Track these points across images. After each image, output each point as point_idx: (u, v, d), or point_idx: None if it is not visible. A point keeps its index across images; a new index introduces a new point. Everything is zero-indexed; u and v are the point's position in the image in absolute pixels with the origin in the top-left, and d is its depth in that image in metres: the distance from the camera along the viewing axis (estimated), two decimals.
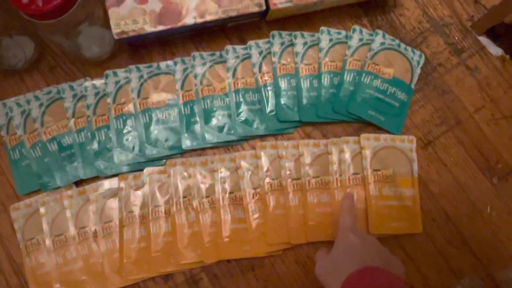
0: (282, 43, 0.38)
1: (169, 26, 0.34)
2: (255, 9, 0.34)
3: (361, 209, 0.35)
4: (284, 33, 0.38)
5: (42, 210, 0.34)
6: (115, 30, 0.33)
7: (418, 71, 0.38)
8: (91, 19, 0.32)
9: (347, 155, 0.36)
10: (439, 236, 0.36)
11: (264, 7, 0.34)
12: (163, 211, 0.34)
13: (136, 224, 0.34)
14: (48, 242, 0.34)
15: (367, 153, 0.36)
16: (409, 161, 0.36)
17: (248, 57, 0.37)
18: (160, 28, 0.34)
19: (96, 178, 0.35)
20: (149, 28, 0.34)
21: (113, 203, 0.35)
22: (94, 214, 0.34)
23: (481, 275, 0.36)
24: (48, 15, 0.28)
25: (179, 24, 0.34)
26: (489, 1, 0.40)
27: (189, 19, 0.34)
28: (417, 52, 0.38)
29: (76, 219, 0.34)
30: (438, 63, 0.39)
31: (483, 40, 0.39)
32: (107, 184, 0.35)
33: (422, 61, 0.38)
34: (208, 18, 0.34)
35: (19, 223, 0.34)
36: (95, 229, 0.34)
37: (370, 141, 0.36)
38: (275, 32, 0.38)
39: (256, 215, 0.35)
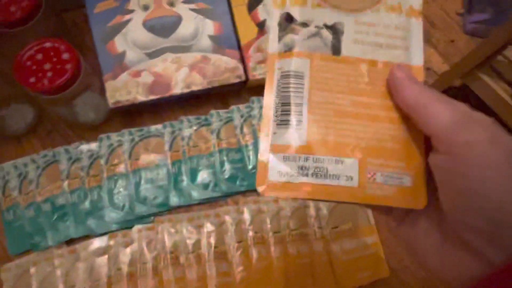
0: (260, 107, 0.42)
1: (159, 96, 0.38)
2: (236, 80, 0.39)
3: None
4: (262, 98, 0.42)
5: (32, 270, 0.35)
6: (110, 100, 0.37)
7: None
8: (89, 90, 0.36)
9: (325, 210, 0.39)
10: (412, 283, 0.39)
11: (243, 79, 0.39)
12: (150, 267, 0.36)
13: (124, 282, 0.36)
14: None
15: (325, 212, 0.39)
16: (364, 209, 0.40)
17: (230, 120, 0.42)
18: (151, 97, 0.38)
19: (86, 237, 0.37)
20: (141, 98, 0.38)
21: (103, 261, 0.36)
22: (84, 273, 0.35)
23: None
24: (52, 92, 0.32)
25: (168, 94, 0.38)
26: (440, 68, 0.46)
27: (177, 89, 0.38)
28: None
29: (66, 278, 0.35)
30: None
31: None
32: (97, 243, 0.37)
33: None
34: (194, 88, 0.38)
35: (9, 284, 0.35)
36: None
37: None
38: (254, 98, 0.42)
39: (240, 268, 0.37)
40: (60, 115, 0.41)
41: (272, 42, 0.21)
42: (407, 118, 0.20)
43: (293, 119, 0.19)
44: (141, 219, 0.38)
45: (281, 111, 0.20)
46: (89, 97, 0.38)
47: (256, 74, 0.39)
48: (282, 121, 0.20)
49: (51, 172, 0.38)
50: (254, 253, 0.37)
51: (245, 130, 0.41)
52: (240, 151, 0.40)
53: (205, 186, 0.39)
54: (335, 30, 0.21)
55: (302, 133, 0.19)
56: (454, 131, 0.17)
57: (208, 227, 0.38)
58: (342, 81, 0.20)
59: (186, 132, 0.41)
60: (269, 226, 0.38)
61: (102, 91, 0.38)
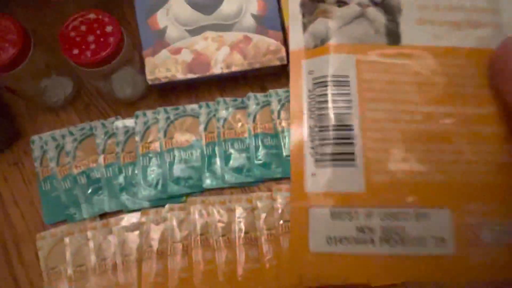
0: None
1: (198, 75, 0.37)
2: (277, 63, 0.38)
3: None
4: None
5: (66, 240, 0.36)
6: (149, 76, 0.37)
7: None
8: (129, 65, 0.36)
9: None
10: None
11: (285, 61, 0.38)
12: (180, 247, 0.36)
13: (154, 259, 0.36)
14: (69, 272, 0.35)
15: None
16: None
17: (267, 104, 0.40)
18: (190, 76, 0.37)
19: (119, 212, 0.37)
20: (180, 76, 0.37)
21: (134, 237, 0.36)
22: (115, 247, 0.36)
23: None
24: (94, 65, 0.31)
25: (208, 73, 0.37)
26: None
27: (217, 69, 0.37)
28: None
29: (97, 250, 0.36)
30: None
31: None
32: (130, 218, 0.37)
33: None
34: (234, 69, 0.37)
35: (43, 252, 0.36)
36: (115, 262, 0.35)
37: None
38: None
39: (270, 256, 0.36)
40: (98, 89, 0.41)
41: (294, 33, 0.13)
42: None
43: (340, 151, 0.12)
44: (173, 198, 0.38)
45: (320, 139, 0.12)
46: (127, 73, 0.37)
47: None
48: (323, 155, 0.12)
49: (87, 145, 0.38)
50: (285, 242, 0.36)
51: (282, 115, 0.40)
52: (276, 137, 0.39)
53: (239, 170, 0.38)
54: (388, 8, 0.13)
55: (357, 172, 0.12)
56: None
57: (240, 211, 0.37)
58: (408, 85, 0.12)
59: (222, 113, 0.40)
60: None
61: (141, 67, 0.38)
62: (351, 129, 0.12)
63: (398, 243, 0.11)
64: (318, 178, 0.12)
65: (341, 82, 0.12)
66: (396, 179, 0.12)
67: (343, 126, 0.12)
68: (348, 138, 0.12)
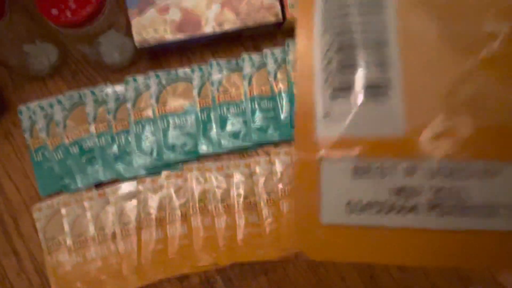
0: None
1: (188, 35, 0.35)
2: (272, 19, 0.35)
3: None
4: None
5: (63, 211, 0.35)
6: (136, 38, 0.35)
7: None
8: (114, 27, 0.34)
9: None
10: None
11: (281, 18, 0.35)
12: (179, 214, 0.36)
13: (153, 227, 0.35)
14: (69, 242, 0.35)
15: None
16: None
17: (263, 65, 0.38)
18: (180, 36, 0.35)
19: (115, 181, 0.36)
20: (169, 37, 0.35)
21: (132, 206, 0.36)
22: (113, 216, 0.35)
23: (490, 282, 0.36)
24: (75, 25, 0.29)
25: (198, 33, 0.35)
26: None
27: (208, 28, 0.35)
28: None
29: (96, 220, 0.35)
30: None
31: None
32: (126, 187, 0.36)
33: None
34: (227, 27, 0.35)
35: (41, 223, 0.36)
36: (114, 231, 0.35)
37: None
38: (290, 41, 0.38)
39: (269, 220, 0.36)
40: (85, 56, 0.39)
41: None
42: None
43: (370, 78, 0.09)
44: (169, 166, 0.37)
45: (339, 63, 0.09)
46: (114, 37, 0.35)
47: (294, 13, 0.35)
48: (344, 84, 0.09)
49: (77, 114, 0.37)
50: (284, 206, 0.36)
51: (279, 76, 0.38)
52: (273, 99, 0.38)
53: (235, 134, 0.37)
54: None
55: (395, 108, 0.09)
56: None
57: (238, 177, 0.36)
58: None
59: (216, 77, 0.38)
60: None
61: (127, 30, 0.35)
62: (385, 46, 0.09)
63: (456, 211, 0.08)
64: (334, 119, 0.09)
65: None
66: (452, 118, 0.08)
67: (373, 45, 0.09)
68: (382, 59, 0.09)
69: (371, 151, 0.09)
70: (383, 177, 0.08)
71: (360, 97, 0.09)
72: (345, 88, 0.09)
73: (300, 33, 0.10)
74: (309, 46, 0.09)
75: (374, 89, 0.09)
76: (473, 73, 0.09)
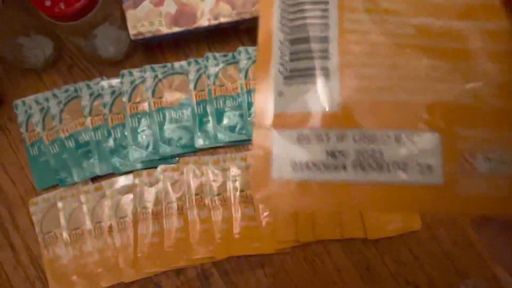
0: None
1: (184, 28, 0.35)
2: None
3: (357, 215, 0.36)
4: None
5: (59, 204, 0.35)
6: (132, 31, 0.34)
7: None
8: (109, 20, 0.33)
9: None
10: (444, 237, 0.37)
11: None
12: (176, 207, 0.36)
13: (149, 220, 0.35)
14: (65, 235, 0.35)
15: None
16: None
17: None
18: (175, 29, 0.35)
19: (111, 175, 0.36)
20: (165, 30, 0.35)
21: (128, 199, 0.36)
22: (110, 210, 0.35)
23: (487, 275, 0.36)
24: (69, 17, 0.29)
25: (194, 26, 0.35)
26: None
27: (204, 21, 0.35)
28: None
29: (92, 214, 0.35)
30: None
31: None
32: (122, 181, 0.36)
33: None
34: (222, 20, 0.35)
35: (37, 217, 0.36)
36: (110, 224, 0.35)
37: None
38: None
39: (266, 213, 0.36)
40: (80, 49, 0.38)
41: None
42: None
43: (313, 66, 0.11)
44: (165, 159, 0.37)
45: (291, 53, 0.11)
46: (109, 30, 0.35)
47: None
48: (294, 71, 0.11)
49: (73, 108, 0.37)
50: None
51: None
52: None
53: (232, 128, 0.37)
54: None
55: (332, 90, 0.11)
56: None
57: (234, 170, 0.36)
58: None
59: (212, 70, 0.38)
60: None
61: (122, 24, 0.35)
62: (326, 40, 0.11)
63: (375, 169, 0.10)
64: (285, 98, 0.11)
65: None
66: (377, 98, 0.11)
67: (317, 38, 0.11)
68: (325, 51, 0.11)
69: (312, 122, 0.11)
70: (319, 142, 0.11)
71: (306, 81, 0.11)
72: (294, 75, 0.12)
73: (262, 35, 0.12)
74: (269, 44, 0.12)
75: (318, 75, 0.11)
76: (400, 60, 0.11)
